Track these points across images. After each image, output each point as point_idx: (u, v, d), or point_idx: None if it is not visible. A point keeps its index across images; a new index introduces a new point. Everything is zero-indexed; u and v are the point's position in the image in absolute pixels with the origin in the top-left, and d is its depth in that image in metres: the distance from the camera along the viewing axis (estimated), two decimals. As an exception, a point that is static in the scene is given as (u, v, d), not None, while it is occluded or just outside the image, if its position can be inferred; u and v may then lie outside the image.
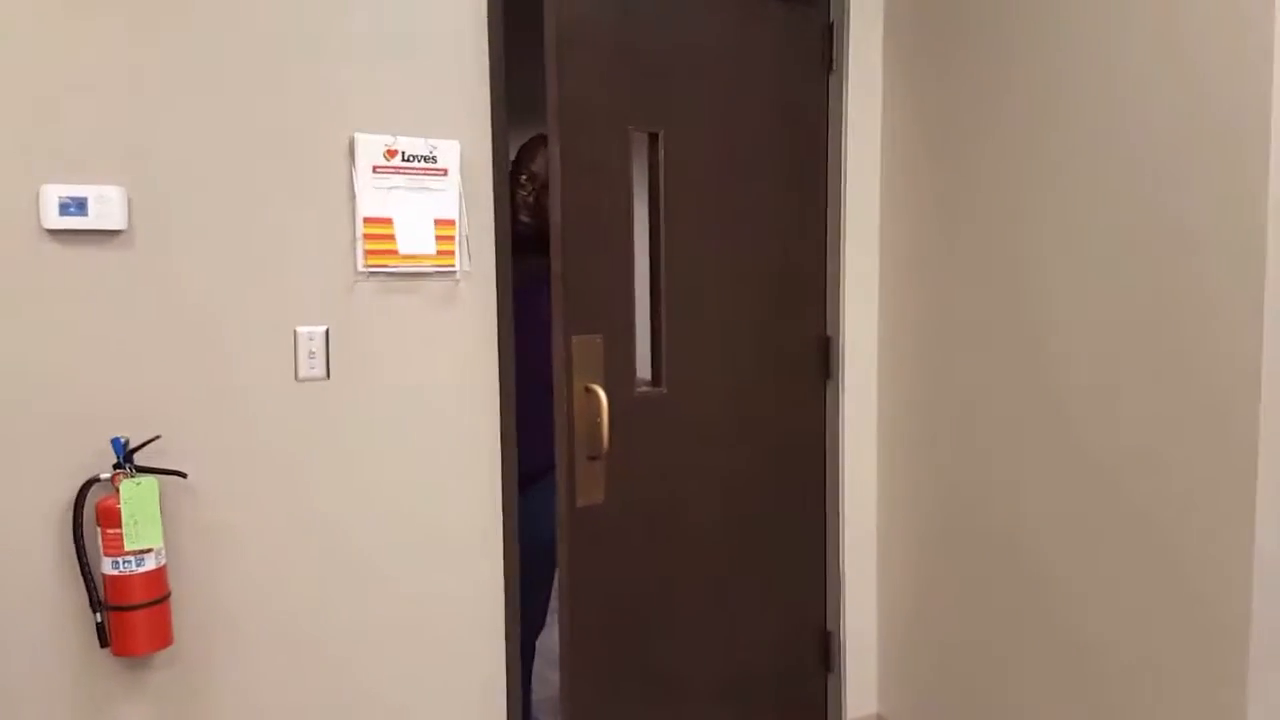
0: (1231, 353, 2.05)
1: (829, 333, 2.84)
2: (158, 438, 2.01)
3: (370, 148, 2.17)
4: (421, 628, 2.33)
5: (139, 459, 1.98)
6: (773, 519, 2.77)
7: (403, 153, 2.20)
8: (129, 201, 1.97)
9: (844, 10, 2.76)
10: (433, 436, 2.30)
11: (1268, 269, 1.98)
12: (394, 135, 2.19)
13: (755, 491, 2.71)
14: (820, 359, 2.84)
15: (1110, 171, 2.27)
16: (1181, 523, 2.17)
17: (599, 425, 2.18)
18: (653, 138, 2.44)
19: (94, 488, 1.95)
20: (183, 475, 2.03)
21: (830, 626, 2.94)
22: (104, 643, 1.93)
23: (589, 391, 2.15)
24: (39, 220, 1.90)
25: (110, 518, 1.90)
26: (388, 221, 2.20)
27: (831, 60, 2.77)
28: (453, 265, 2.27)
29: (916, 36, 2.75)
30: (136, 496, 1.91)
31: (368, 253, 2.18)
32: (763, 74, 2.62)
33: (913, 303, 2.81)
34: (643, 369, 2.47)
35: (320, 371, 2.17)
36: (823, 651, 2.94)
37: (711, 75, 2.53)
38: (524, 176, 2.64)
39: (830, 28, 2.76)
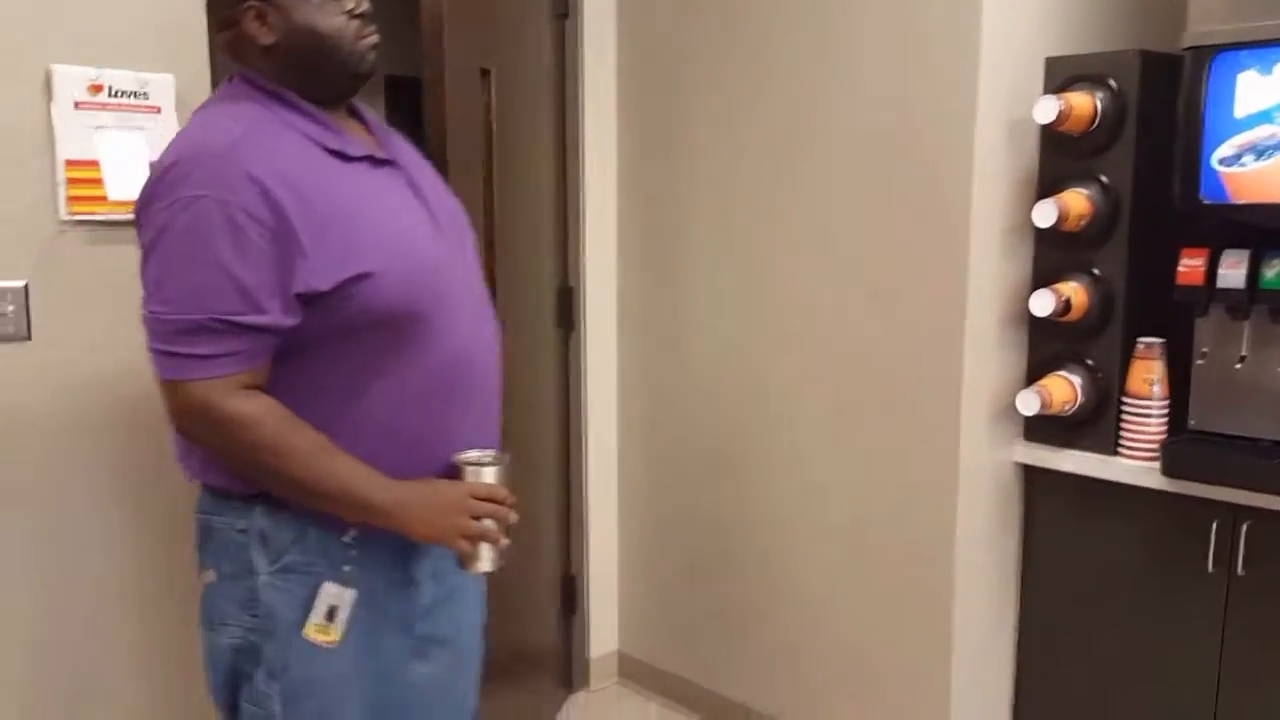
0: (943, 334, 2.25)
1: (571, 283, 2.86)
2: None
3: (71, 81, 1.94)
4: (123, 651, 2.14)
5: None
6: (519, 470, 2.77)
7: (110, 88, 1.99)
8: None
9: (576, -44, 2.76)
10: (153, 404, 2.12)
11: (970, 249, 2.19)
12: (99, 68, 1.97)
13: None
14: (563, 309, 2.85)
15: (836, 127, 2.42)
16: (898, 471, 2.38)
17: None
18: (485, 73, 2.28)
19: None
20: None
21: (574, 571, 2.99)
22: None
23: None
24: None
25: None
26: (94, 164, 1.99)
27: (566, 6, 2.76)
28: (172, 213, 2.09)
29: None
30: None
31: (71, 199, 1.96)
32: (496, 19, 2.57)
33: (650, 253, 2.88)
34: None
35: (19, 331, 1.94)
36: (566, 595, 2.99)
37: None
38: None
39: (562, -28, 2.75)
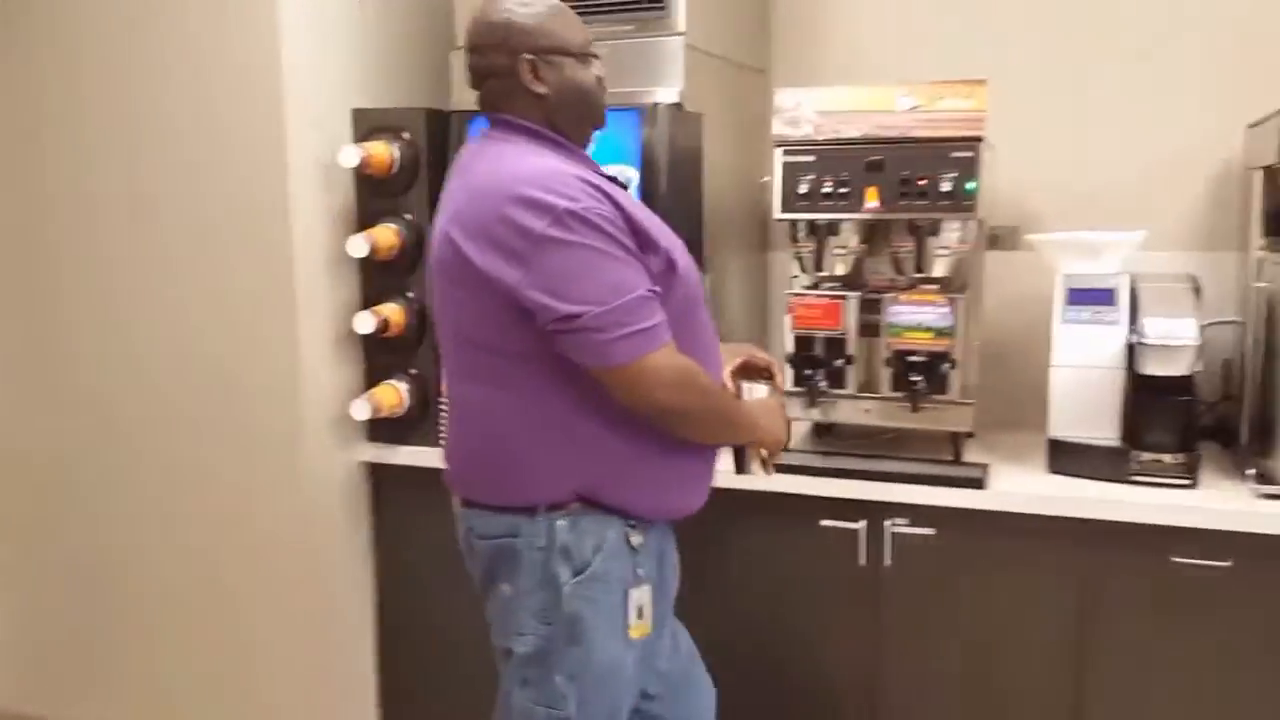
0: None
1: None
2: None
3: None
4: None
5: None
6: None
7: None
8: None
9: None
10: None
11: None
12: None
13: None
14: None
15: (160, 154, 2.56)
16: (248, 481, 2.58)
17: None
18: None
19: None
20: None
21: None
22: None
23: None
24: None
25: None
26: None
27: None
28: None
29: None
30: None
31: None
32: None
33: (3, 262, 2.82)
34: None
35: None
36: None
37: None
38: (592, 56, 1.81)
39: None
